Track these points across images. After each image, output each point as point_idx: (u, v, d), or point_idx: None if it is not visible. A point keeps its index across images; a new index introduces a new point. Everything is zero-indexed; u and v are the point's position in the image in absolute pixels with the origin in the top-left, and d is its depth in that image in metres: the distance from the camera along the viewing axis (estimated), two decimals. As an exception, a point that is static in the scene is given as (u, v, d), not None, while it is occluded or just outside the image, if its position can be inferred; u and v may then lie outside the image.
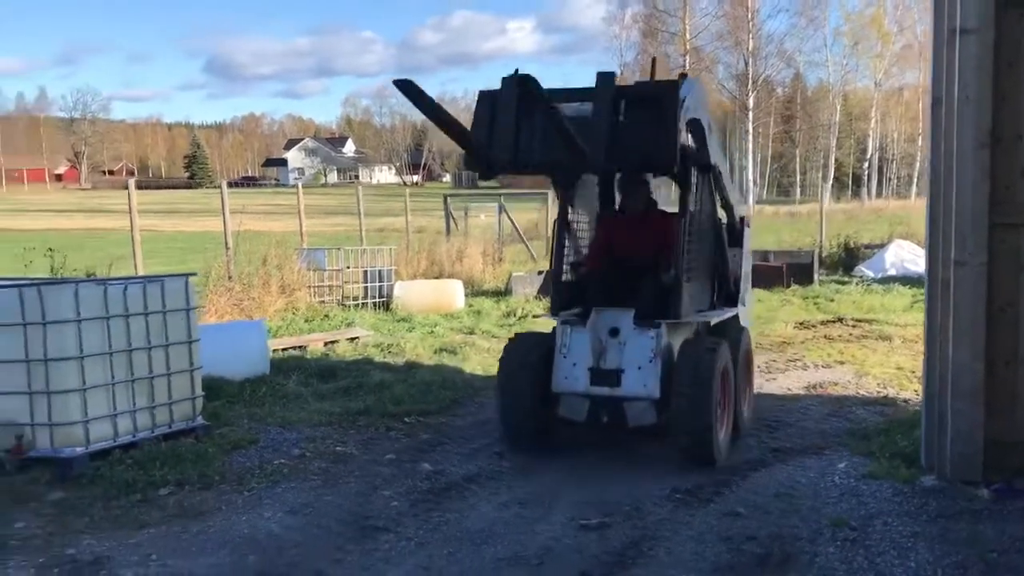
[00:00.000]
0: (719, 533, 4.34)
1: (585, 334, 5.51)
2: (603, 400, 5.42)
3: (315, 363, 8.65)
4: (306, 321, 11.38)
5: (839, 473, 5.25)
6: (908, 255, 16.42)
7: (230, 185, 14.43)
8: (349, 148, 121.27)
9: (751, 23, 46.06)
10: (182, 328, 5.99)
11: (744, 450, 5.80)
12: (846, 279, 15.86)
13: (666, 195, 7.53)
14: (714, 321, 6.01)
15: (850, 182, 62.47)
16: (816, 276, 15.27)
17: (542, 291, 13.03)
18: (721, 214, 6.58)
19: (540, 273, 13.86)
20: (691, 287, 5.67)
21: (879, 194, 58.82)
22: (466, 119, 5.36)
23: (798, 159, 68.45)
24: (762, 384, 7.78)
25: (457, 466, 5.56)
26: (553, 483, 5.18)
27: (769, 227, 25.64)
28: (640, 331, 5.43)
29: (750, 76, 46.55)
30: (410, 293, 12.70)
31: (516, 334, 6.06)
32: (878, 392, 7.49)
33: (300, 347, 9.52)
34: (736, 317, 6.46)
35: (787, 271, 14.75)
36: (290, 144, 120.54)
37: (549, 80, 5.15)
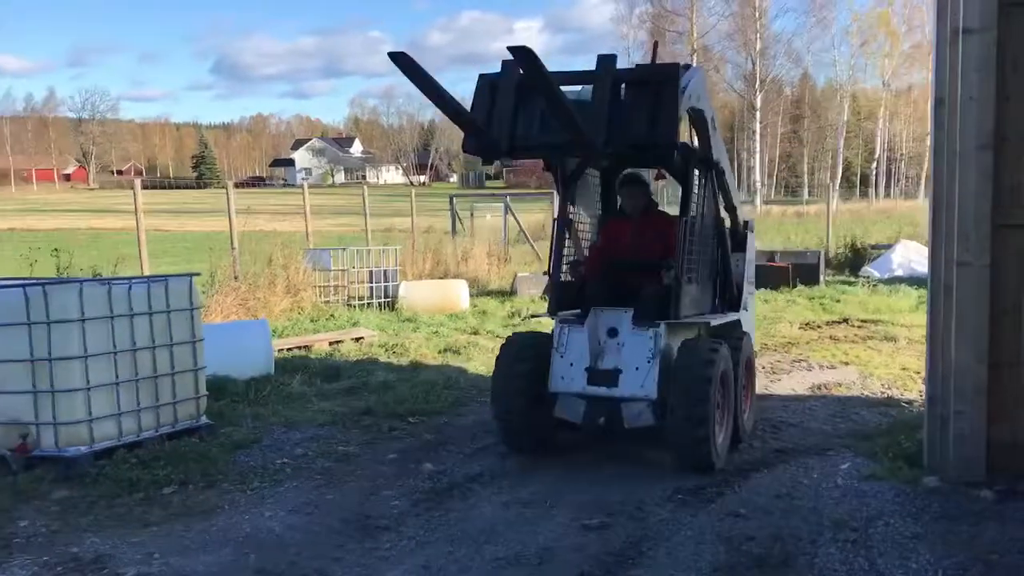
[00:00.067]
0: (719, 534, 4.34)
1: (583, 334, 5.47)
2: (600, 401, 5.35)
3: (319, 363, 8.68)
4: (311, 321, 11.42)
5: (841, 474, 5.25)
6: (915, 256, 16.32)
7: (238, 185, 14.48)
8: (356, 148, 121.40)
9: (759, 22, 45.93)
10: (186, 328, 6.02)
11: (747, 451, 5.80)
12: (852, 280, 15.83)
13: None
14: (714, 323, 5.92)
15: (858, 182, 62.21)
16: (822, 276, 15.25)
17: (547, 291, 13.00)
18: (725, 217, 6.50)
19: (545, 273, 13.83)
20: (692, 289, 5.61)
21: (887, 194, 58.63)
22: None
23: (806, 159, 68.23)
24: (767, 385, 7.78)
25: (459, 466, 5.57)
26: (555, 483, 5.19)
27: (776, 227, 25.56)
28: (639, 331, 5.39)
29: (758, 76, 46.42)
30: (415, 293, 12.72)
31: (513, 333, 6.02)
32: (883, 393, 7.48)
33: (305, 347, 9.54)
34: (738, 322, 6.36)
35: (793, 271, 14.73)
36: (298, 144, 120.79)
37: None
